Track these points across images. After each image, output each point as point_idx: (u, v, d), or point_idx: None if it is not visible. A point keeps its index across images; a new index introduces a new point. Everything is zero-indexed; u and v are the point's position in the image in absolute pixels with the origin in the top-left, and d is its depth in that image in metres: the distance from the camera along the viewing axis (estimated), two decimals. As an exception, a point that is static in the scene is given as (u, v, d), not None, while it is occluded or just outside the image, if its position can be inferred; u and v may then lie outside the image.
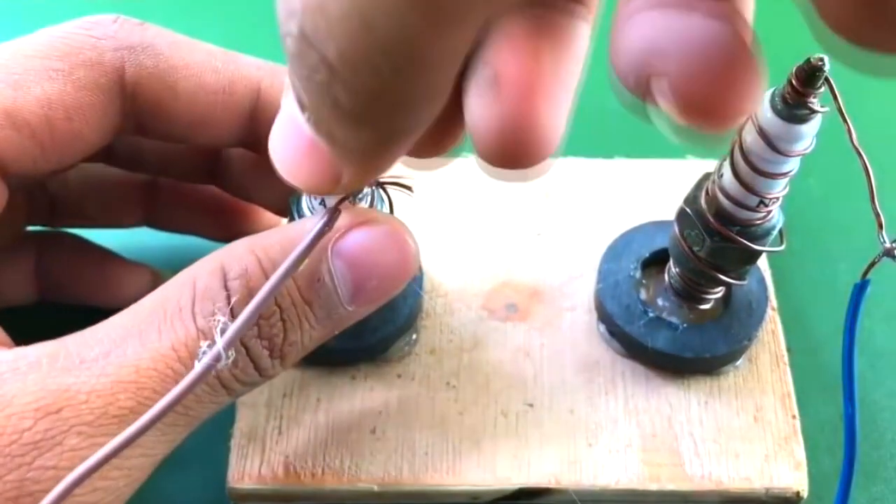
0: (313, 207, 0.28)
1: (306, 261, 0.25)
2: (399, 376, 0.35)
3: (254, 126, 0.30)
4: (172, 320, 0.24)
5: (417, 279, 0.35)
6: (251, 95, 0.29)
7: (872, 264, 0.26)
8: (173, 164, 0.33)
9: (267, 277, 0.25)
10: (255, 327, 0.25)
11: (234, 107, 0.29)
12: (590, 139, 0.44)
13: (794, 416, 0.34)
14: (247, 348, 0.25)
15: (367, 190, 0.28)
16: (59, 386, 0.23)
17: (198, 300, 0.25)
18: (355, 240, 0.25)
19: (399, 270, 0.27)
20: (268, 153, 0.30)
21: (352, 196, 0.27)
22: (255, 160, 0.32)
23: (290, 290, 0.25)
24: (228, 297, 0.25)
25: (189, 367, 0.24)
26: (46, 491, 0.22)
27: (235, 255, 0.25)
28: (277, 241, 0.25)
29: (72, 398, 0.23)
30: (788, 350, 0.36)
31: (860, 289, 0.26)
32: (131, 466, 0.25)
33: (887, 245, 0.25)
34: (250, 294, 0.24)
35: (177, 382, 0.24)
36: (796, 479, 0.33)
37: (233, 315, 0.24)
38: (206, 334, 0.24)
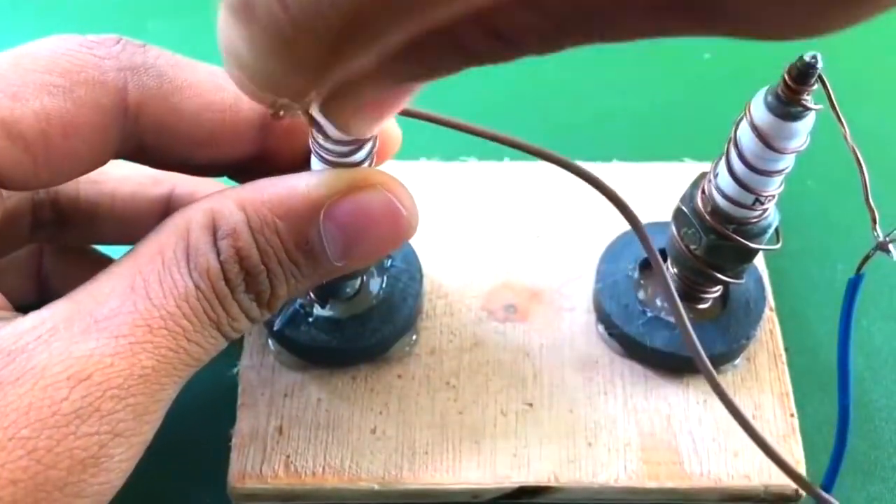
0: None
1: (296, 222, 0.26)
2: (399, 376, 0.35)
3: (264, 142, 0.30)
4: (171, 273, 0.25)
5: (418, 280, 0.36)
6: (257, 112, 0.29)
7: (867, 258, 0.26)
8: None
9: (255, 239, 0.26)
10: (243, 283, 0.26)
11: (241, 124, 0.29)
12: (588, 143, 0.45)
13: (792, 415, 0.34)
14: (238, 302, 0.26)
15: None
16: (83, 352, 0.24)
17: (191, 255, 0.26)
18: (349, 207, 0.26)
19: (391, 238, 0.28)
20: (284, 162, 0.30)
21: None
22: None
23: (277, 251, 0.26)
24: (218, 255, 0.26)
25: (194, 323, 0.25)
26: (94, 457, 0.24)
27: (226, 211, 0.26)
28: (270, 199, 0.26)
29: (98, 363, 0.24)
30: (786, 349, 0.36)
31: (855, 283, 0.26)
32: (156, 418, 0.26)
33: (881, 239, 0.25)
34: (238, 254, 0.26)
35: (187, 339, 0.25)
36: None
37: (223, 272, 0.26)
38: (203, 291, 0.25)
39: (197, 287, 0.25)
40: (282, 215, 0.26)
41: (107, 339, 0.24)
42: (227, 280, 0.26)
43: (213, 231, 0.26)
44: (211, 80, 0.29)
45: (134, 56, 0.28)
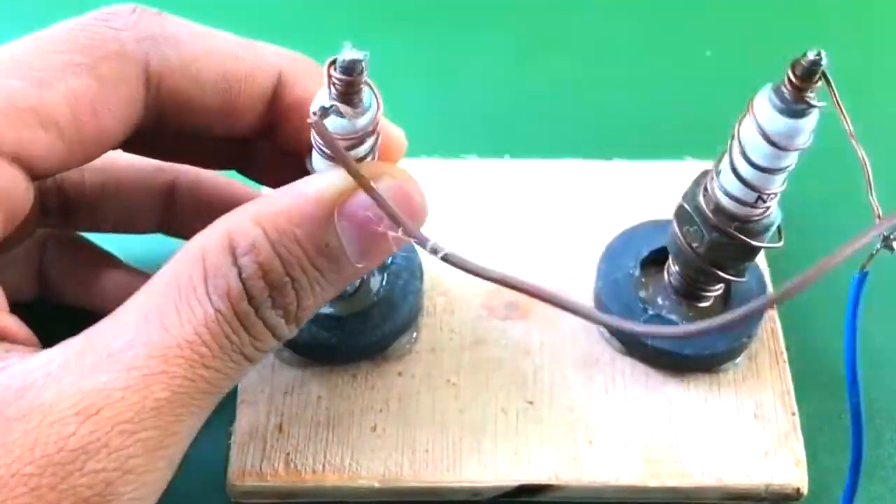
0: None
1: (313, 226, 0.25)
2: (400, 374, 0.35)
3: (274, 113, 0.29)
4: (188, 300, 0.24)
5: (418, 277, 0.35)
6: (272, 81, 0.29)
7: (871, 255, 0.26)
8: (198, 149, 0.32)
9: (275, 250, 0.25)
10: (269, 299, 0.25)
11: (256, 94, 0.29)
12: (589, 141, 0.45)
13: (793, 414, 0.34)
14: (263, 320, 0.26)
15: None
16: (94, 386, 0.23)
17: (210, 278, 0.25)
18: (362, 201, 0.26)
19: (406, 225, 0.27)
20: (289, 139, 0.30)
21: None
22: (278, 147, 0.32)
23: (299, 259, 0.25)
24: (240, 273, 0.25)
25: (213, 349, 0.24)
26: (100, 495, 0.23)
27: (242, 228, 0.25)
28: (285, 209, 0.25)
29: (108, 397, 0.23)
30: (787, 348, 0.36)
31: (860, 281, 0.26)
32: (174, 452, 0.25)
33: (885, 234, 0.25)
34: (261, 268, 0.25)
35: (205, 367, 0.24)
36: (796, 476, 0.33)
37: (246, 290, 0.25)
38: (223, 314, 0.25)
39: (217, 311, 0.25)
40: (298, 223, 0.25)
41: (118, 373, 0.23)
42: (251, 298, 0.25)
43: (232, 250, 0.25)
44: (228, 48, 0.28)
45: (151, 25, 0.27)
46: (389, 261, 0.36)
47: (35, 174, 0.26)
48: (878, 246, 0.25)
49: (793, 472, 0.33)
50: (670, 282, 0.35)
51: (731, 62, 0.49)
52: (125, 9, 0.28)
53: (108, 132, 0.27)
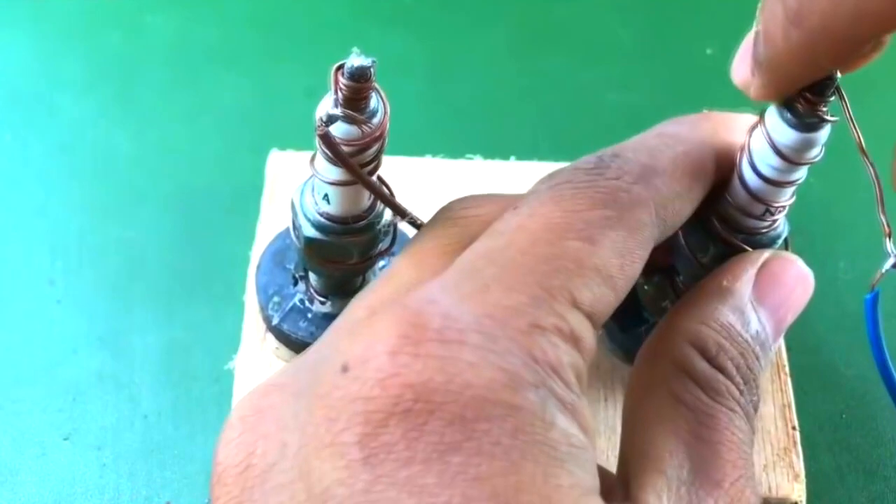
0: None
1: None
2: (398, 377, 0.35)
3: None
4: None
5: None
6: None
7: (881, 276, 0.26)
8: None
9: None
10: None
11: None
12: (588, 139, 0.44)
13: (793, 428, 0.34)
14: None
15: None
16: None
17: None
18: (773, 286, 0.27)
19: (805, 299, 0.28)
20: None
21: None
22: None
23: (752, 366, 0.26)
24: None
25: None
26: None
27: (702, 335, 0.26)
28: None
29: None
30: (788, 349, 0.36)
31: (873, 301, 0.26)
32: None
33: (893, 253, 0.25)
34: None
35: None
36: (795, 490, 0.33)
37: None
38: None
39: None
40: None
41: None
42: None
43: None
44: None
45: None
46: (388, 261, 0.35)
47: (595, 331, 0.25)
48: (888, 268, 0.25)
49: (791, 487, 0.33)
50: (674, 289, 0.35)
51: (732, 60, 0.48)
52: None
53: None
